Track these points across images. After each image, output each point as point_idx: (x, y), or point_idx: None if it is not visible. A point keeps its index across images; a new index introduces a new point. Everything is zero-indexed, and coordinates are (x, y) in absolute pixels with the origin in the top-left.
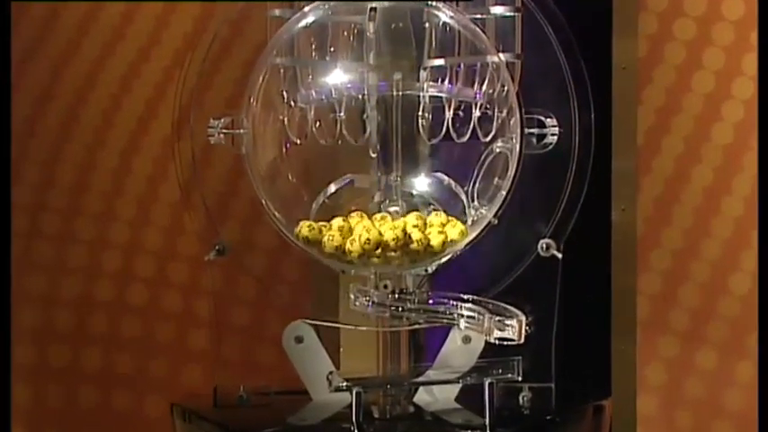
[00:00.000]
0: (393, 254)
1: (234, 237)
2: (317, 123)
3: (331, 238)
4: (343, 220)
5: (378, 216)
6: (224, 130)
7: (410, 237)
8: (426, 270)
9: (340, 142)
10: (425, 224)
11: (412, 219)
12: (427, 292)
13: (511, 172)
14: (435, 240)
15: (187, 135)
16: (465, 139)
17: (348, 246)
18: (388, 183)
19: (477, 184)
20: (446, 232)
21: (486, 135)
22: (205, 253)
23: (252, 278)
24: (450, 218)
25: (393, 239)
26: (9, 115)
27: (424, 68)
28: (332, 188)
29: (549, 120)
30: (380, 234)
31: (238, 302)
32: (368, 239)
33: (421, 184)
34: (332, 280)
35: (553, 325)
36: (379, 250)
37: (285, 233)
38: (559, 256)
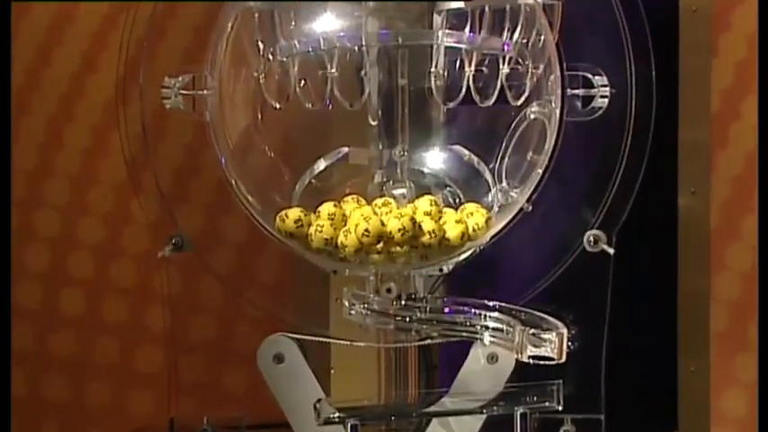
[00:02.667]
0: (398, 249)
1: (195, 227)
2: (302, 82)
3: (319, 228)
4: (335, 206)
5: (379, 201)
6: (183, 91)
7: (420, 227)
8: (441, 270)
9: (331, 106)
10: (440, 211)
11: (423, 204)
12: (442, 298)
13: (549, 145)
14: (452, 232)
15: (135, 98)
16: (490, 102)
17: (341, 239)
18: (391, 158)
19: (505, 160)
20: (466, 221)
21: (517, 97)
22: (158, 248)
23: (218, 280)
24: (471, 203)
25: (398, 231)
26: (9, 116)
27: (439, 12)
28: (320, 165)
29: (597, 78)
30: (382, 224)
31: (201, 311)
32: (366, 231)
33: (434, 159)
34: (320, 283)
35: (603, 339)
36: (381, 244)
37: (261, 223)
38: (611, 251)
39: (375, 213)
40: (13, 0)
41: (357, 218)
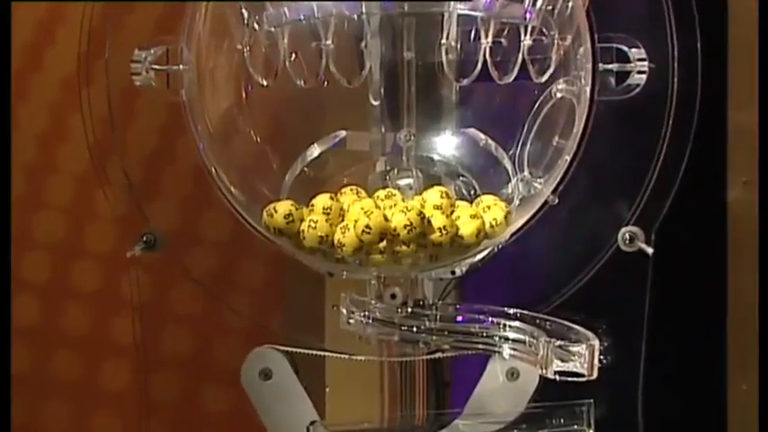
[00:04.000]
0: (404, 248)
1: (169, 223)
2: (292, 56)
3: (313, 224)
4: (332, 199)
5: (382, 192)
6: (155, 66)
7: (429, 223)
8: (453, 272)
9: (326, 84)
10: (452, 204)
11: (432, 196)
12: (454, 305)
13: (577, 128)
14: (467, 228)
15: (100, 73)
16: (510, 79)
17: (338, 236)
18: (396, 143)
19: (527, 146)
20: (482, 216)
21: (540, 73)
22: (127, 248)
23: (195, 284)
24: (487, 195)
25: (404, 227)
26: (9, 117)
27: None
28: (314, 151)
29: (634, 50)
30: (386, 219)
31: (175, 320)
32: (367, 227)
33: (445, 144)
34: (314, 287)
35: (640, 353)
36: (384, 243)
37: (245, 217)
38: (649, 251)
39: (377, 207)
40: (13, 0)
41: (356, 212)
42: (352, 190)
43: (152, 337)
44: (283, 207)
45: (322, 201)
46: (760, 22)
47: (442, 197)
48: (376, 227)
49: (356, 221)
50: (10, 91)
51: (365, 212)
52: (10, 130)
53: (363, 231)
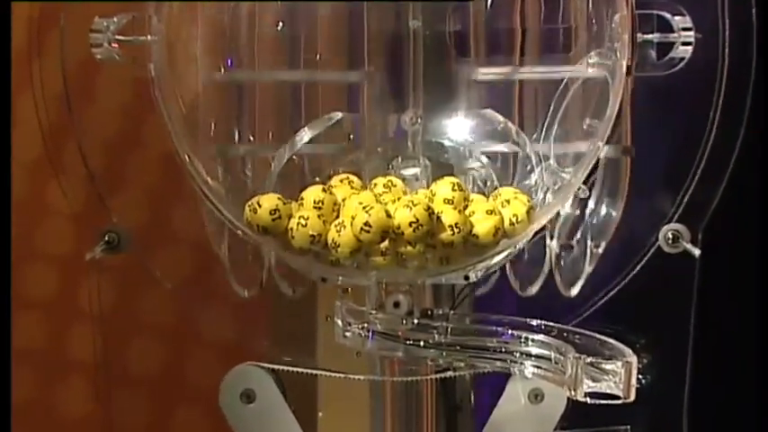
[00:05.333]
0: (410, 248)
1: (135, 220)
2: (280, 25)
3: (303, 221)
4: (324, 192)
5: (380, 181)
6: (119, 37)
7: (439, 219)
8: (467, 278)
9: (319, 57)
10: (465, 198)
11: (443, 189)
12: (468, 316)
13: (612, 109)
14: (482, 226)
15: (54, 46)
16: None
17: (333, 235)
18: (400, 127)
19: (553, 130)
20: (500, 212)
21: (568, 45)
22: (86, 248)
23: (165, 290)
24: (507, 188)
25: (410, 224)
26: (9, 115)
27: None
28: (305, 136)
29: (678, 18)
30: (388, 215)
31: (141, 332)
32: (367, 224)
33: (457, 128)
34: (305, 295)
35: (685, 371)
36: (387, 243)
37: (223, 213)
38: (696, 252)
39: (378, 201)
40: (13, 0)
41: (354, 207)
42: (347, 180)
43: (115, 353)
44: (268, 201)
45: (313, 194)
46: None
47: (453, 189)
48: (377, 224)
49: (353, 218)
50: (10, 91)
51: (364, 208)
52: (10, 131)
53: (362, 229)
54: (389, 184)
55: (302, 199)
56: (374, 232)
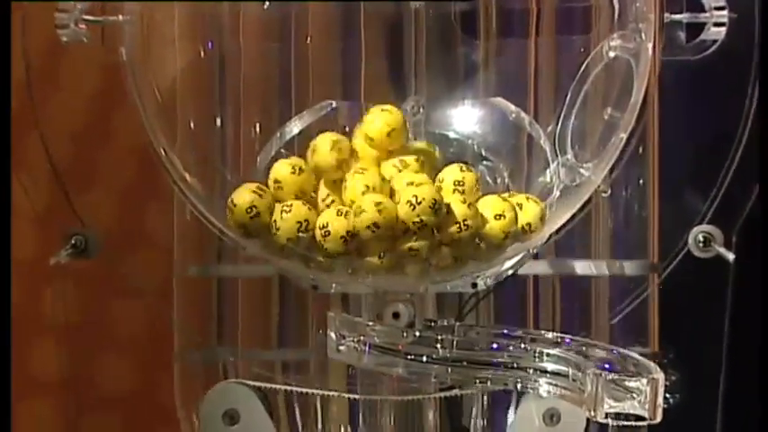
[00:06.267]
0: (415, 244)
1: (105, 221)
2: (266, 3)
3: (287, 209)
4: (299, 173)
5: (391, 164)
6: (87, 17)
7: (450, 210)
8: (475, 285)
9: (309, 39)
10: (477, 181)
11: (451, 175)
12: (476, 327)
13: (636, 97)
14: (492, 225)
15: (14, 26)
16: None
17: (325, 224)
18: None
19: (571, 120)
20: (513, 210)
21: (588, 26)
22: (50, 253)
23: (138, 299)
24: (517, 194)
25: (416, 218)
26: (9, 116)
27: None
28: (294, 127)
29: None
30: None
31: (112, 346)
32: (375, 225)
33: (464, 118)
34: (294, 304)
35: (718, 388)
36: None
37: (201, 211)
38: (730, 257)
39: (388, 191)
40: (13, 0)
41: (356, 194)
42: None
43: (84, 369)
44: (244, 196)
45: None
46: None
47: (462, 171)
48: (386, 222)
49: (358, 210)
50: (10, 91)
51: (376, 205)
52: (10, 131)
53: (370, 227)
54: (404, 164)
55: (279, 183)
56: (382, 230)
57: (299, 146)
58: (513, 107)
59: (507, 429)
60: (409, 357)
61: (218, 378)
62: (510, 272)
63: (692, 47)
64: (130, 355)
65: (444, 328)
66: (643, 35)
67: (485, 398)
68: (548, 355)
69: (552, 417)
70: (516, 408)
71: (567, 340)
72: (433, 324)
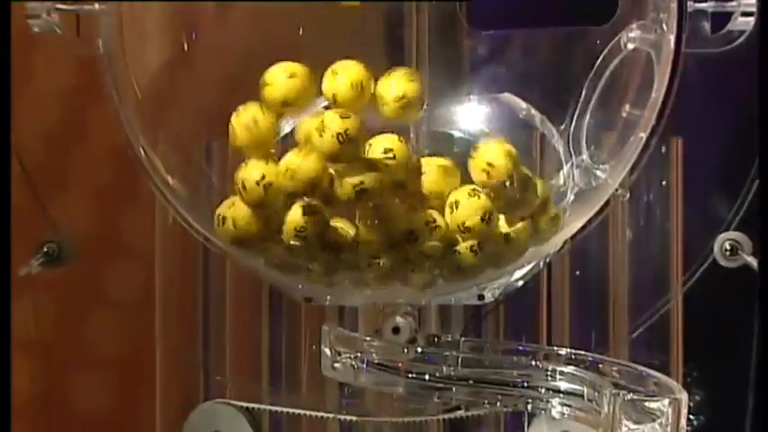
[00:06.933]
0: (426, 246)
1: (80, 228)
2: None
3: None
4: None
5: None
6: (60, 6)
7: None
8: (481, 297)
9: (301, 31)
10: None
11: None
12: (483, 343)
13: (657, 93)
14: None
15: None
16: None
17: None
18: None
19: (586, 119)
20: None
21: (602, 17)
22: (20, 261)
23: (115, 312)
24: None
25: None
26: (9, 117)
27: None
28: (285, 125)
29: None
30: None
31: (89, 363)
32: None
33: (469, 116)
34: (286, 318)
35: (746, 409)
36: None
37: (187, 220)
38: (755, 264)
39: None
40: (12, 0)
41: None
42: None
43: (57, 387)
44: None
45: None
46: None
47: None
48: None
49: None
50: (10, 92)
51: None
52: (10, 131)
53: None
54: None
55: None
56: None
57: (292, 144)
58: (522, 104)
59: None
60: (410, 376)
61: (203, 397)
62: (520, 282)
63: (717, 38)
64: (108, 372)
65: (448, 343)
66: (664, 25)
67: (493, 420)
68: (561, 373)
69: None
70: (527, 430)
71: (591, 358)
72: (436, 339)
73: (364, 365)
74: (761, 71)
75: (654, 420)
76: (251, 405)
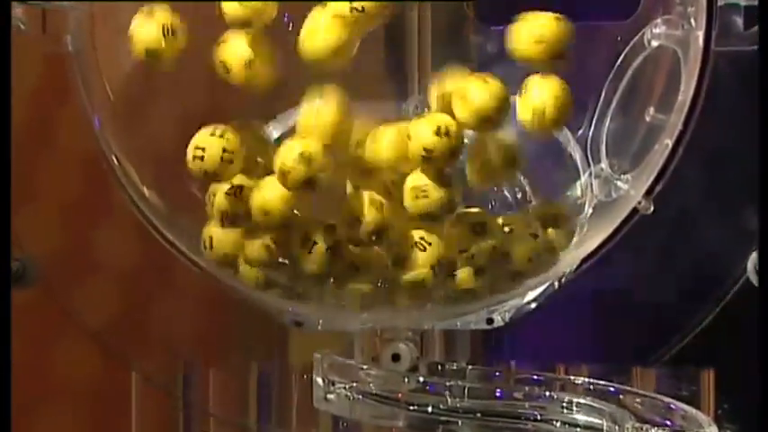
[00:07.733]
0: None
1: (48, 245)
2: None
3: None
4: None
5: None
6: (31, 1)
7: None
8: (490, 320)
9: (291, 27)
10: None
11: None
12: (492, 372)
13: (685, 96)
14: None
15: None
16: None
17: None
18: (401, 119)
19: (605, 124)
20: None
21: (623, 11)
22: None
23: (85, 339)
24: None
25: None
26: (9, 117)
27: None
28: (273, 132)
29: None
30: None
31: (58, 392)
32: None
33: None
34: (274, 344)
35: None
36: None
37: (164, 235)
38: None
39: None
40: (12, 0)
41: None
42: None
43: (22, 421)
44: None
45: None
46: None
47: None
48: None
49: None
50: (9, 92)
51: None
52: (10, 131)
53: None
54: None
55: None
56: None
57: None
58: None
59: None
60: (411, 408)
61: None
62: (533, 305)
63: (750, 35)
64: (79, 403)
65: (454, 372)
66: (692, 21)
67: None
68: (578, 404)
69: None
70: None
71: (611, 388)
72: (440, 368)
73: (360, 397)
74: (761, 70)
75: None
76: None
